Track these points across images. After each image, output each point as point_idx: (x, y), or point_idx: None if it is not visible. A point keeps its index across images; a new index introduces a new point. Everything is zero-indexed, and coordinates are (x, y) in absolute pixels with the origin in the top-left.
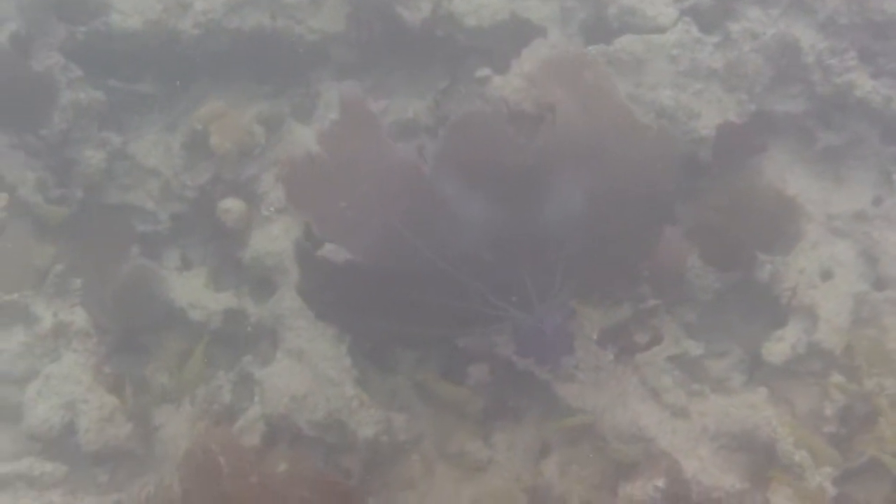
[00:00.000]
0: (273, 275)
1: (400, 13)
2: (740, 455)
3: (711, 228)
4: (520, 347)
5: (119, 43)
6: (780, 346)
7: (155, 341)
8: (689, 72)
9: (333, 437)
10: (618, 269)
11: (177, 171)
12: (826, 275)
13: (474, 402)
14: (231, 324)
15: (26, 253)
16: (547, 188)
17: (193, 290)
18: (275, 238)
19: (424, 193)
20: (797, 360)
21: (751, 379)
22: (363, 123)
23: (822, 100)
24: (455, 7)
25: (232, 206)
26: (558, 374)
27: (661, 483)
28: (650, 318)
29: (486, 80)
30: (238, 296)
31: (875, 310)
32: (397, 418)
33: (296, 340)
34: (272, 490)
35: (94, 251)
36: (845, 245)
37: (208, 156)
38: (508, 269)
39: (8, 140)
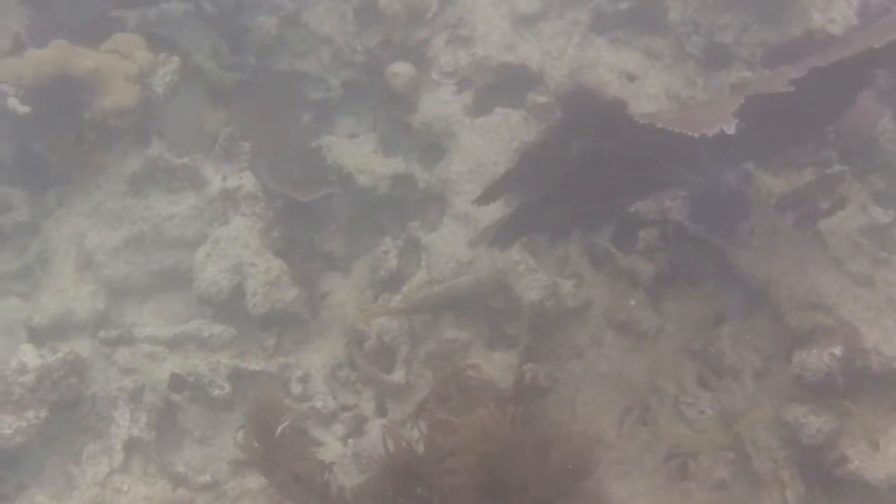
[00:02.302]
0: (441, 139)
1: None
2: None
3: None
4: (693, 212)
5: None
6: None
7: (323, 206)
8: None
9: (499, 303)
10: (801, 131)
11: (349, 39)
12: None
13: (645, 268)
14: (399, 189)
15: (198, 117)
16: None
17: (362, 156)
18: (444, 102)
19: None
20: None
21: None
22: None
23: None
24: None
25: (401, 69)
26: (733, 240)
27: (837, 351)
28: (836, 185)
29: None
30: (406, 161)
31: None
32: (564, 284)
33: (463, 205)
34: None
35: (265, 117)
36: None
37: (379, 20)
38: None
39: (184, 7)
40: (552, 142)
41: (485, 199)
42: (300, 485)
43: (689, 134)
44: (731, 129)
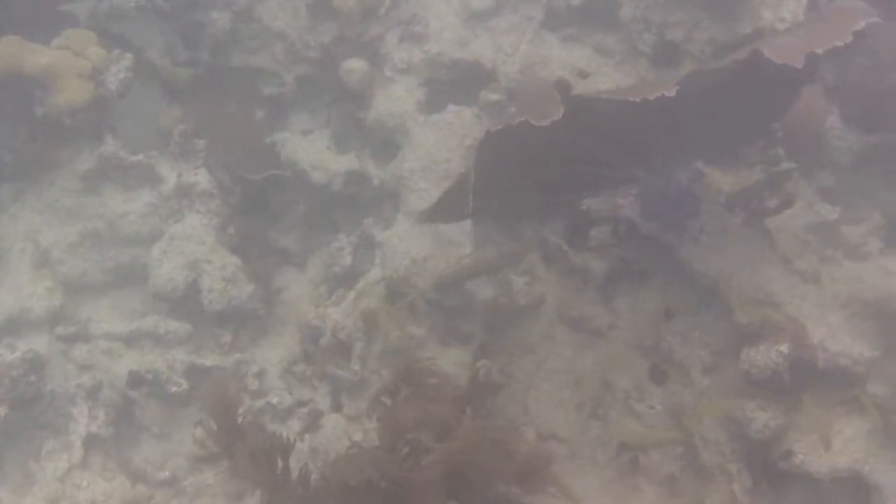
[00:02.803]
0: (395, 136)
1: None
2: (873, 323)
3: (856, 85)
4: (645, 210)
5: None
6: None
7: (278, 202)
8: None
9: (453, 301)
10: (750, 129)
11: (302, 34)
12: None
13: (597, 265)
14: (353, 185)
15: (152, 114)
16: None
17: (316, 152)
18: (397, 98)
19: None
20: None
21: (889, 245)
22: None
23: None
24: None
25: (355, 66)
26: (683, 238)
27: (785, 348)
28: (783, 182)
29: None
30: (360, 158)
31: None
32: (517, 281)
33: (417, 203)
34: None
35: (219, 114)
36: None
37: (332, 15)
38: (636, 133)
39: (136, 2)
40: (506, 135)
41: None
42: (261, 467)
43: (631, 100)
44: (671, 93)
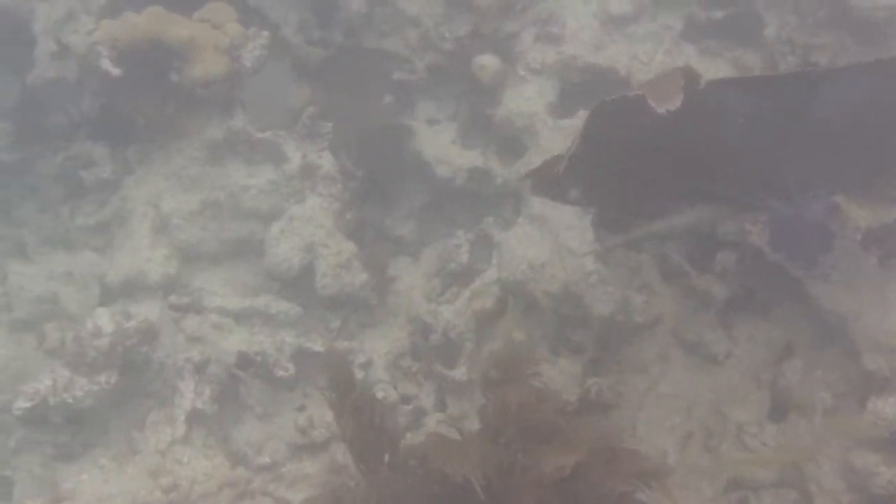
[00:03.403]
0: (522, 136)
1: None
2: None
3: None
4: (774, 239)
5: None
6: None
7: (399, 190)
8: None
9: (568, 309)
10: (888, 158)
11: (437, 21)
12: None
13: (718, 290)
14: (475, 181)
15: (282, 92)
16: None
17: (441, 145)
18: (528, 99)
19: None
20: None
21: None
22: None
23: None
24: None
25: (488, 62)
26: (812, 272)
27: None
28: None
29: None
30: (485, 155)
31: None
32: (636, 298)
33: (539, 207)
34: None
35: (348, 95)
36: None
37: (469, 8)
38: (769, 156)
39: None
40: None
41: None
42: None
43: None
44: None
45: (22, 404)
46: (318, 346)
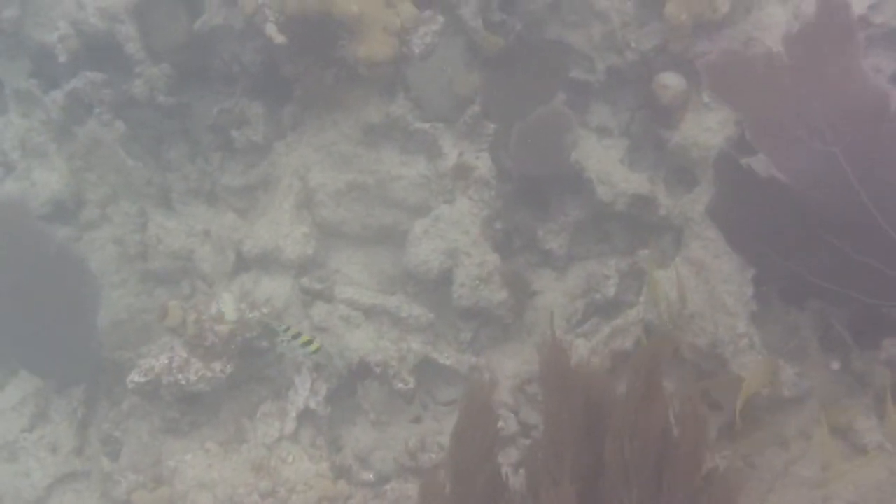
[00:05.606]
0: (695, 168)
1: None
2: None
3: None
4: None
5: None
6: None
7: (556, 200)
8: None
9: (710, 366)
10: None
11: (626, 20)
12: None
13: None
14: (637, 209)
15: (449, 79)
16: None
17: (608, 162)
18: (708, 129)
19: (883, 131)
20: None
21: None
22: (838, 31)
23: None
24: None
25: (671, 82)
26: None
27: None
28: None
29: None
30: (652, 181)
31: None
32: (787, 370)
33: (699, 251)
34: None
35: (518, 90)
36: None
37: (660, 16)
38: None
39: None
40: None
41: None
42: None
43: None
44: None
45: (136, 378)
46: (443, 359)
